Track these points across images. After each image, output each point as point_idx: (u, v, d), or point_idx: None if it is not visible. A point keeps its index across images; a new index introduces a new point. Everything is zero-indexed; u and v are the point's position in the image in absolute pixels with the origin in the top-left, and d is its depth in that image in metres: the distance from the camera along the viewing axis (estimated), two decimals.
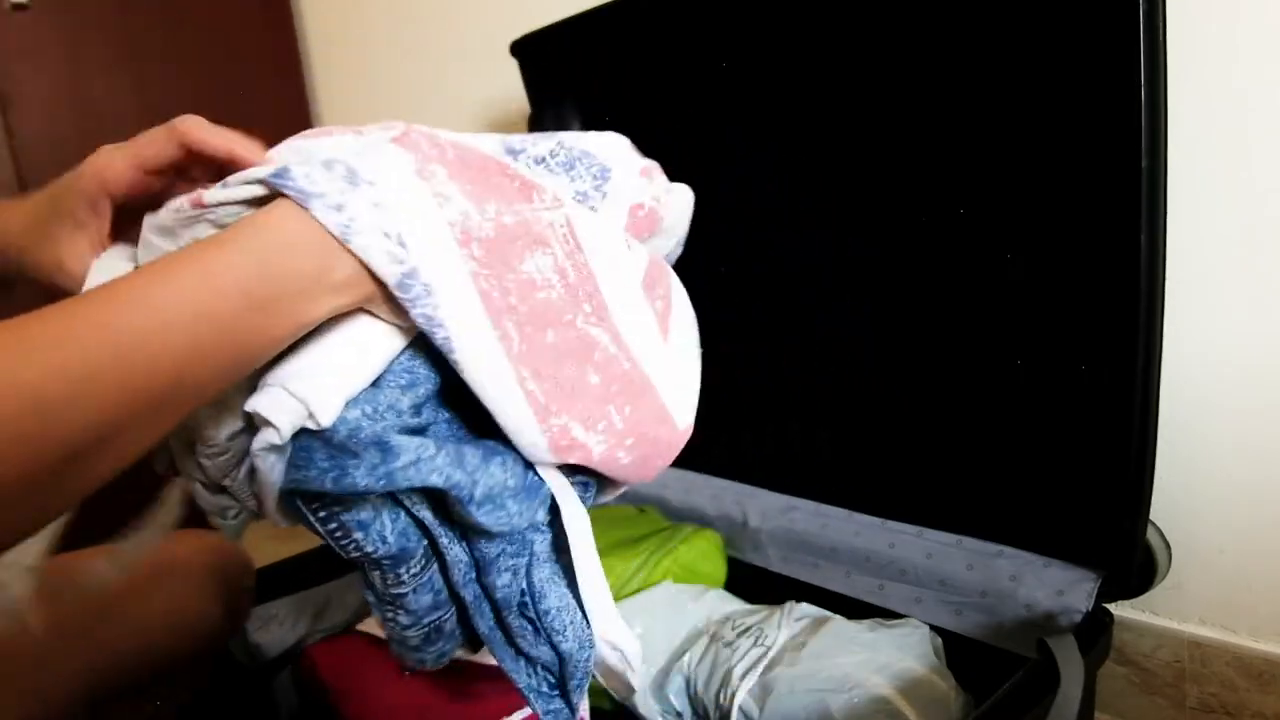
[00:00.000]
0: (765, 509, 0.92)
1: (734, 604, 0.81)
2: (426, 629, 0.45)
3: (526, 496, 0.42)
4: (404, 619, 0.44)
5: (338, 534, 0.40)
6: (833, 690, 0.65)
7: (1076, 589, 0.69)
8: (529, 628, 0.46)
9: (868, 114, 0.77)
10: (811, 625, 0.73)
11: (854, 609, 0.78)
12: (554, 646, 0.46)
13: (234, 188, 0.38)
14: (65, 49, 1.31)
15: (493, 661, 0.68)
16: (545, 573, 0.46)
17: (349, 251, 0.35)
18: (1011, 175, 0.70)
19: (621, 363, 0.43)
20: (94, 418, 0.29)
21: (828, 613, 0.76)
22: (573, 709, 0.46)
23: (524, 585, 0.45)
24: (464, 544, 0.44)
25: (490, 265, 0.38)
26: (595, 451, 0.43)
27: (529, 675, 0.47)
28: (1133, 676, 0.81)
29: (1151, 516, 0.69)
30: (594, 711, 0.72)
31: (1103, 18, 0.62)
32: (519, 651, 0.47)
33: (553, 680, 0.48)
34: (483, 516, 0.40)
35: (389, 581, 0.42)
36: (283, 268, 0.34)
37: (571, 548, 0.45)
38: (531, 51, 0.98)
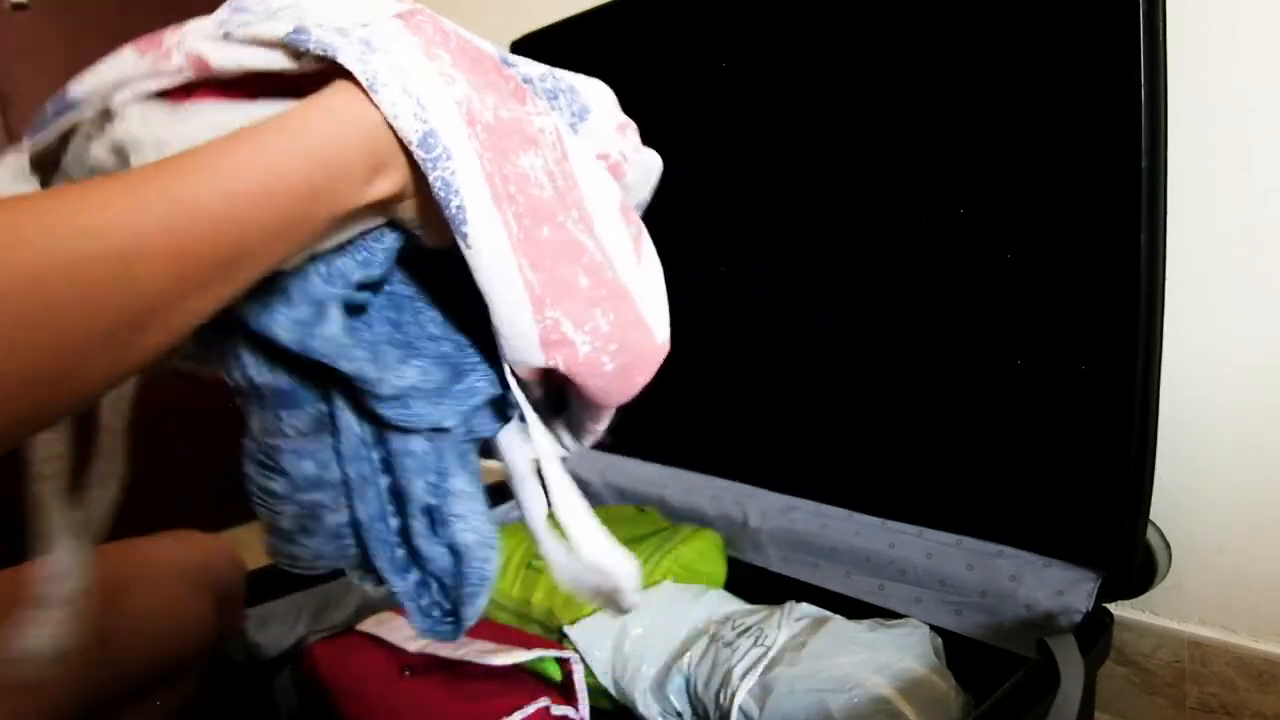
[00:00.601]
0: (765, 509, 0.92)
1: (734, 604, 0.81)
2: (302, 513, 0.43)
3: (441, 398, 0.42)
4: (278, 485, 0.42)
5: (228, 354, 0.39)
6: (833, 690, 0.65)
7: (1076, 589, 0.69)
8: (426, 520, 0.44)
9: (868, 114, 0.77)
10: (811, 625, 0.73)
11: (854, 609, 0.78)
12: (452, 544, 0.44)
13: (245, 47, 0.37)
14: (65, 49, 1.31)
15: (493, 662, 0.68)
16: (455, 457, 0.45)
17: (389, 128, 0.35)
18: (1011, 175, 0.70)
19: (606, 270, 0.43)
20: (142, 293, 0.27)
21: (828, 613, 0.76)
22: (461, 625, 0.44)
23: (435, 467, 0.44)
24: (360, 415, 0.42)
25: (492, 150, 0.38)
26: (581, 351, 0.42)
27: (418, 593, 0.45)
28: (1133, 676, 0.81)
29: (1151, 516, 0.69)
30: (594, 711, 0.72)
31: (1103, 18, 0.62)
32: (410, 555, 0.45)
33: (445, 605, 0.45)
34: (385, 409, 0.40)
35: (268, 427, 0.41)
36: (339, 154, 0.33)
37: (544, 468, 0.45)
38: (532, 51, 0.98)
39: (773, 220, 0.87)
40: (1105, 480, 0.68)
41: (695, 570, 0.88)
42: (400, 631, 0.78)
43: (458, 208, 0.37)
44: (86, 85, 0.37)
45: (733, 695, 0.67)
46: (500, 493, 1.09)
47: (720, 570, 0.91)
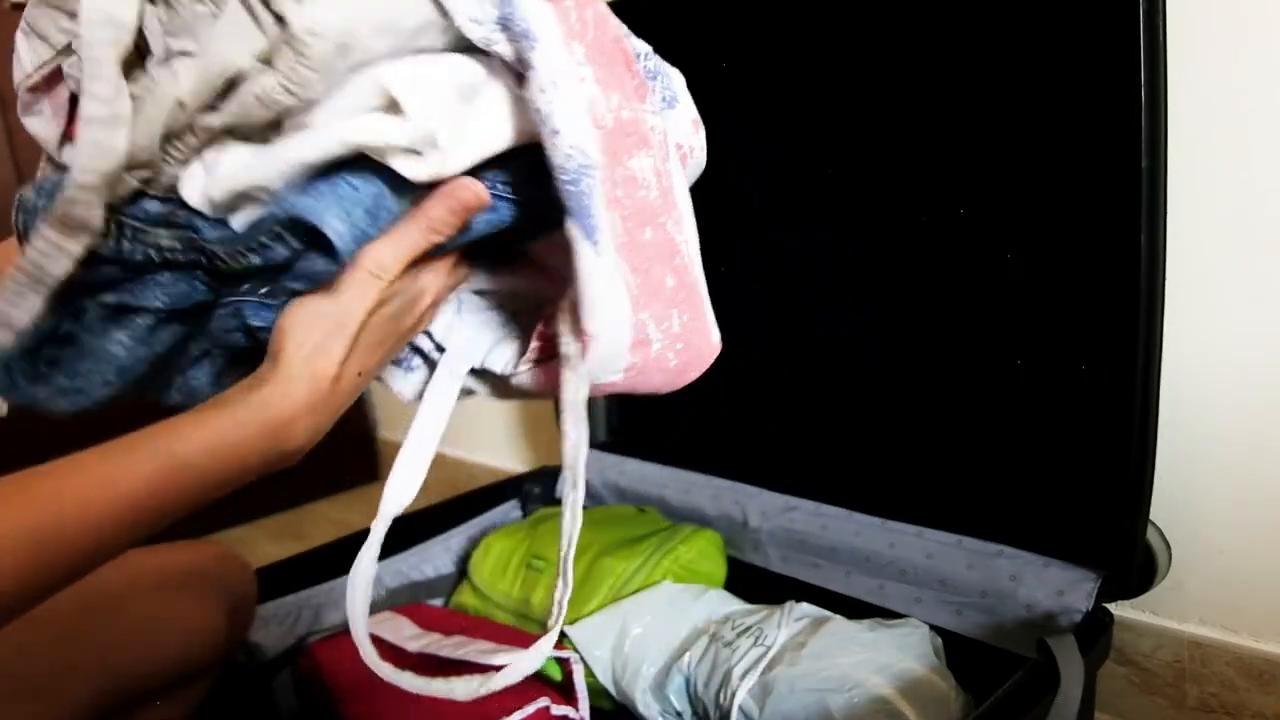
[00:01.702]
0: (765, 509, 0.92)
1: (734, 604, 0.81)
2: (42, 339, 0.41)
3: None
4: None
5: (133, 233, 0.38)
6: (833, 690, 0.65)
7: (1076, 589, 0.69)
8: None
9: (868, 114, 0.77)
10: (811, 625, 0.73)
11: (854, 609, 0.78)
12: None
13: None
14: None
15: (493, 662, 0.68)
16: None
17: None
18: (1012, 175, 0.70)
19: (690, 269, 0.44)
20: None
21: (828, 613, 0.76)
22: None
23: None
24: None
25: (608, 155, 0.38)
26: (653, 349, 0.43)
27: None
28: (1133, 676, 0.81)
29: (1151, 516, 0.69)
30: (594, 711, 0.72)
31: (1103, 18, 0.62)
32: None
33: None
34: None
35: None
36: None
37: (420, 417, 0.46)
38: None
39: (773, 220, 0.87)
40: (1105, 480, 0.68)
41: (695, 570, 0.88)
42: (400, 631, 0.78)
43: (586, 223, 0.38)
44: None
45: (733, 695, 0.67)
46: (499, 494, 1.09)
47: (720, 570, 0.91)
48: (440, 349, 0.51)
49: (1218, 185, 0.70)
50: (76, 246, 0.37)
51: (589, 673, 0.76)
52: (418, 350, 0.52)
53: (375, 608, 0.90)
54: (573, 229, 0.38)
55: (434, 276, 0.43)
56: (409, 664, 0.73)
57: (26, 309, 0.38)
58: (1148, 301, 0.64)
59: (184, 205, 0.38)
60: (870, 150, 0.78)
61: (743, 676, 0.68)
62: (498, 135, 0.39)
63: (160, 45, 0.36)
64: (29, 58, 0.38)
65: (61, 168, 0.42)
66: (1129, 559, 0.69)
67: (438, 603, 0.97)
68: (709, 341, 0.48)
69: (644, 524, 0.95)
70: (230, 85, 0.36)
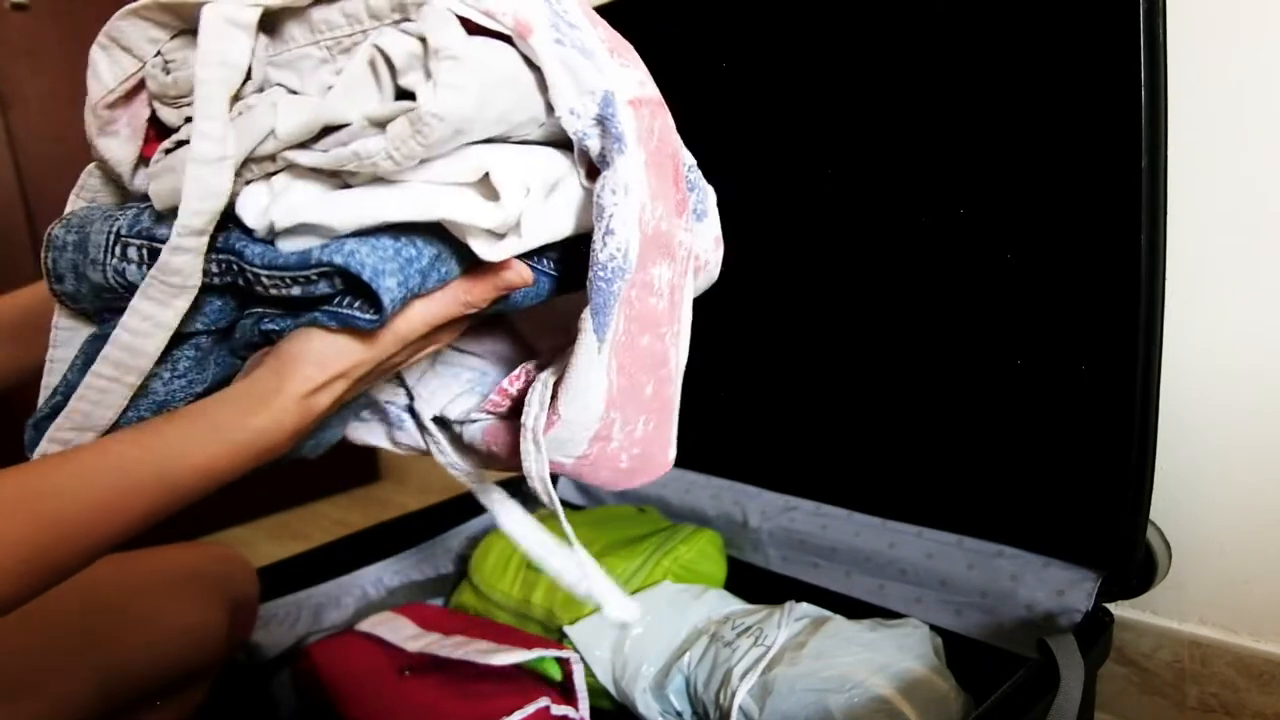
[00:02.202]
0: (765, 509, 0.92)
1: (734, 604, 0.81)
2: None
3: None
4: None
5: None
6: (833, 690, 0.65)
7: (1076, 589, 0.69)
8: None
9: (867, 114, 0.77)
10: (811, 625, 0.73)
11: (854, 609, 0.78)
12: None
13: (564, 64, 0.37)
14: (65, 49, 1.31)
15: (493, 662, 0.68)
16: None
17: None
18: (1012, 175, 0.70)
19: (671, 382, 0.45)
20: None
21: (828, 613, 0.76)
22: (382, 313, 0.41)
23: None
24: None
25: (638, 260, 0.39)
26: (610, 446, 0.43)
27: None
28: (1133, 676, 0.81)
29: (1151, 516, 0.69)
30: (594, 711, 0.72)
31: (1103, 17, 0.62)
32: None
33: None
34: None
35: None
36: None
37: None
38: None
39: (773, 220, 0.87)
40: (1105, 480, 0.68)
41: (695, 570, 0.88)
42: (400, 631, 0.78)
43: (602, 319, 0.39)
44: None
45: (733, 695, 0.67)
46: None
47: (720, 570, 0.91)
48: (410, 396, 0.51)
49: (1218, 185, 0.70)
50: (174, 316, 0.38)
51: (589, 673, 0.76)
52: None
53: (375, 608, 0.90)
54: (587, 321, 0.39)
55: (445, 334, 0.44)
56: (408, 664, 0.73)
57: (112, 405, 0.39)
58: (1148, 301, 0.64)
59: (225, 227, 0.38)
60: (870, 151, 0.78)
61: (743, 676, 0.68)
62: (563, 225, 0.40)
63: (260, 72, 0.37)
64: (110, 72, 0.38)
65: (120, 191, 0.42)
66: (1129, 559, 0.69)
67: (438, 603, 0.97)
68: (665, 457, 0.48)
69: (644, 524, 0.95)
70: (327, 130, 0.36)
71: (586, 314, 0.39)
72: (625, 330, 0.40)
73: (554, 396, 0.41)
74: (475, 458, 0.48)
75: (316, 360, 0.39)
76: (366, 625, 0.80)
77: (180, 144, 0.37)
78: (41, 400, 0.43)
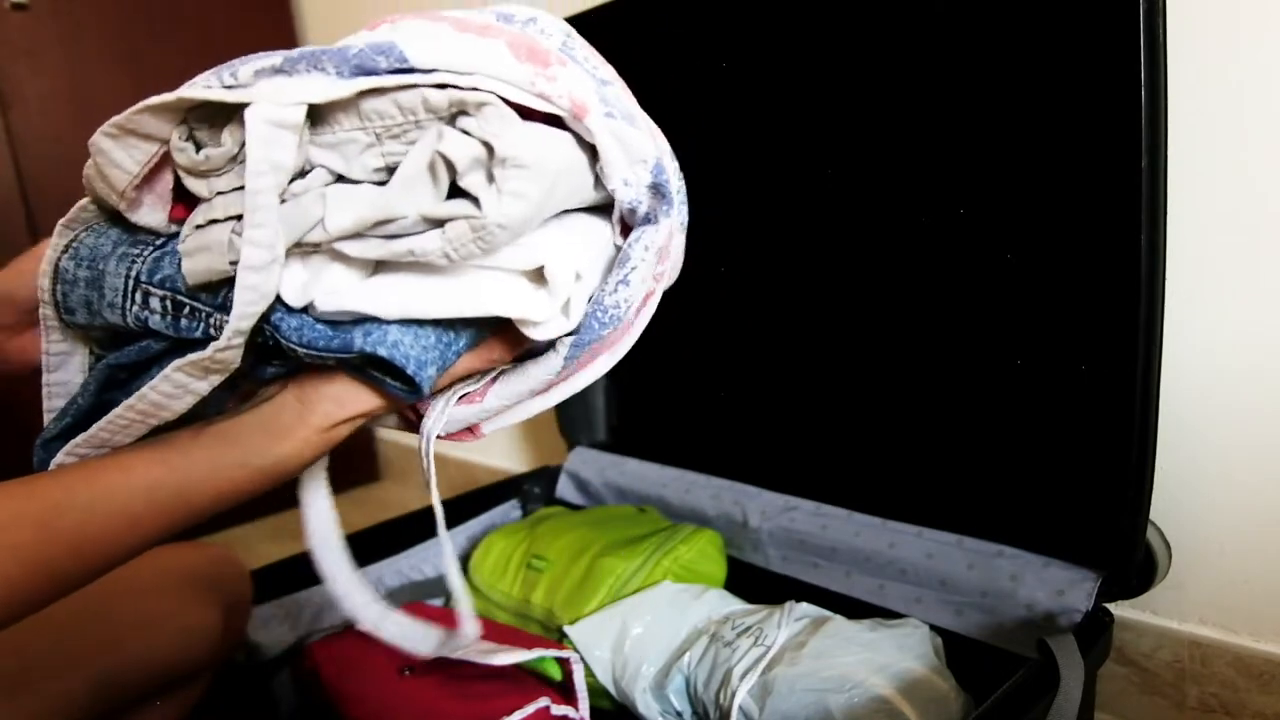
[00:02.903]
0: (765, 509, 0.92)
1: (734, 604, 0.81)
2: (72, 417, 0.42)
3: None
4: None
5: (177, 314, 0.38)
6: (833, 690, 0.65)
7: (1076, 589, 0.69)
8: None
9: (867, 114, 0.77)
10: (811, 625, 0.73)
11: (854, 609, 0.78)
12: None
13: (617, 138, 0.38)
14: (65, 49, 1.31)
15: (493, 662, 0.68)
16: None
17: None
18: (1011, 175, 0.70)
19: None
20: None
21: (828, 613, 0.76)
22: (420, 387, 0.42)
23: None
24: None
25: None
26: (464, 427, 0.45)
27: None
28: (1133, 676, 0.81)
29: (1151, 516, 0.69)
30: (594, 711, 0.72)
31: (1103, 17, 0.62)
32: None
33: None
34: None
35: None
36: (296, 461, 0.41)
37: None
38: None
39: (773, 220, 0.87)
40: (1105, 480, 0.68)
41: (695, 570, 0.88)
42: None
43: (577, 353, 0.41)
44: (433, 55, 0.34)
45: (733, 695, 0.67)
46: (499, 494, 1.09)
47: (720, 570, 0.91)
48: None
49: (1218, 185, 0.70)
50: (206, 387, 0.38)
51: (589, 673, 0.76)
52: None
53: None
54: (563, 348, 0.40)
55: (464, 385, 0.45)
56: (408, 664, 0.73)
57: (133, 435, 0.39)
58: (1148, 301, 0.64)
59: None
60: (870, 151, 0.78)
61: (743, 676, 0.68)
62: (593, 284, 0.41)
63: (303, 153, 0.36)
64: (130, 159, 0.37)
65: (131, 227, 0.41)
66: (1129, 559, 0.69)
67: (438, 603, 0.97)
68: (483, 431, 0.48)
69: (644, 524, 0.95)
70: (378, 223, 0.36)
71: (566, 344, 0.40)
72: (580, 360, 0.42)
73: (494, 379, 0.43)
74: None
75: (340, 400, 0.40)
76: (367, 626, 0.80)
77: (212, 221, 0.37)
78: (48, 421, 0.43)
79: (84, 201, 0.42)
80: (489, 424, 0.45)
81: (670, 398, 1.03)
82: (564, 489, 1.10)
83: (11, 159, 1.28)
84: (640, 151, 0.38)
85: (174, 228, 0.39)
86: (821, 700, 0.64)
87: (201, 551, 0.69)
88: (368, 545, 0.94)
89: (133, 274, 0.38)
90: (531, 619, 0.86)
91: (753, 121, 0.85)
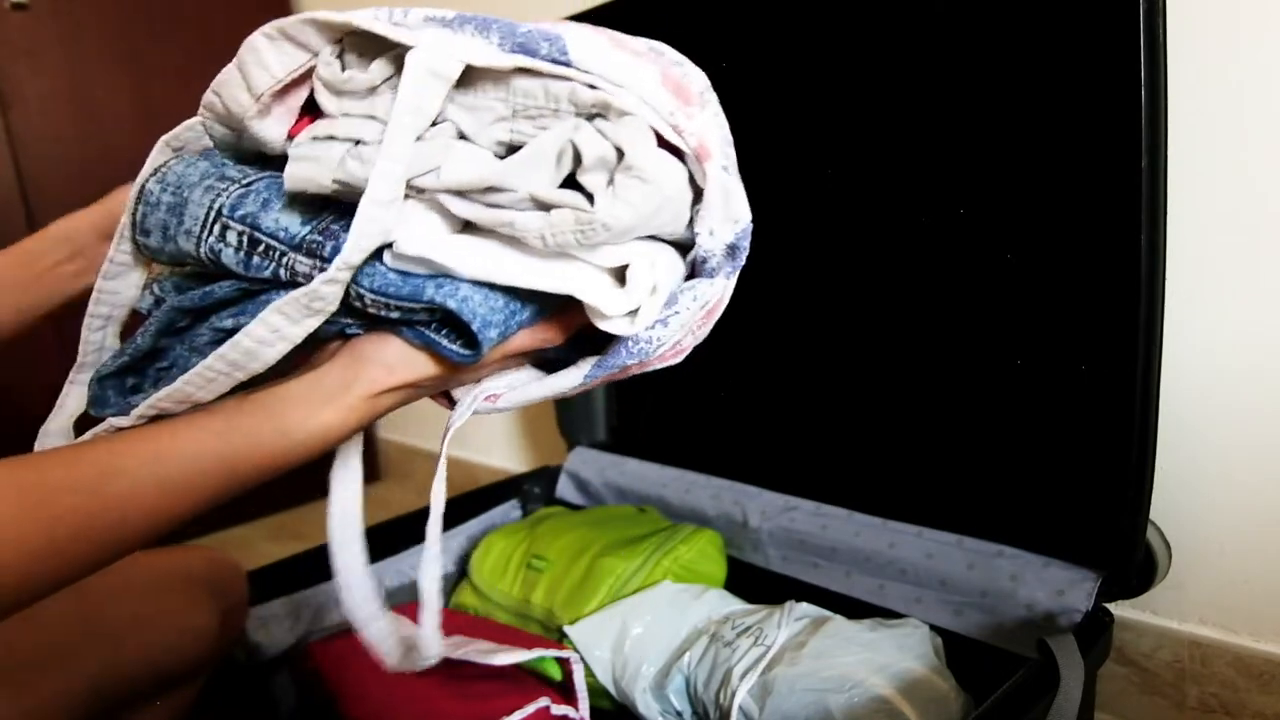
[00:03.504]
0: (765, 509, 0.92)
1: (734, 604, 0.81)
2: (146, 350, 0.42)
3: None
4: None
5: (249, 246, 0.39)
6: (833, 690, 0.65)
7: (1077, 589, 0.69)
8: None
9: (867, 114, 0.77)
10: (811, 625, 0.73)
11: (854, 609, 0.79)
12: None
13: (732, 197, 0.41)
14: (65, 49, 1.31)
15: (493, 661, 0.68)
16: None
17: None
18: (1012, 175, 0.70)
19: None
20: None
21: (828, 613, 0.76)
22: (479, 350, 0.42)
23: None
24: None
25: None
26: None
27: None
28: (1133, 676, 0.81)
29: (1151, 516, 0.69)
30: (594, 711, 0.72)
31: (1103, 17, 0.62)
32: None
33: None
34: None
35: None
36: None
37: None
38: None
39: (773, 220, 0.87)
40: (1105, 480, 0.68)
41: (695, 570, 0.88)
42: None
43: (598, 373, 0.42)
44: (593, 59, 0.36)
45: (733, 695, 0.67)
46: (499, 494, 1.09)
47: (720, 570, 0.91)
48: None
49: (1218, 185, 0.70)
50: (300, 333, 0.38)
51: (589, 673, 0.76)
52: None
53: None
54: (585, 366, 0.42)
55: (513, 362, 0.45)
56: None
57: (215, 392, 0.40)
58: (1148, 301, 0.64)
59: (333, 231, 0.39)
60: (870, 151, 0.78)
61: (743, 676, 0.68)
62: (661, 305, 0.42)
63: (443, 105, 0.37)
64: (279, 63, 0.38)
65: (219, 164, 0.42)
66: (1129, 559, 0.69)
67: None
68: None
69: (644, 524, 0.95)
70: (489, 189, 0.37)
71: (588, 364, 0.42)
72: (595, 380, 0.43)
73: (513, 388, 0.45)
74: None
75: (390, 366, 0.40)
76: None
77: (331, 137, 0.38)
78: (87, 351, 0.46)
79: (192, 121, 0.42)
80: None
81: (670, 398, 1.03)
82: (564, 489, 1.10)
83: (11, 159, 1.28)
84: (737, 211, 0.41)
85: (285, 148, 0.40)
86: (821, 700, 0.64)
87: (198, 553, 0.69)
88: (368, 545, 0.94)
89: (216, 205, 0.39)
90: (531, 619, 0.86)
91: (753, 121, 0.85)
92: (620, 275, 0.39)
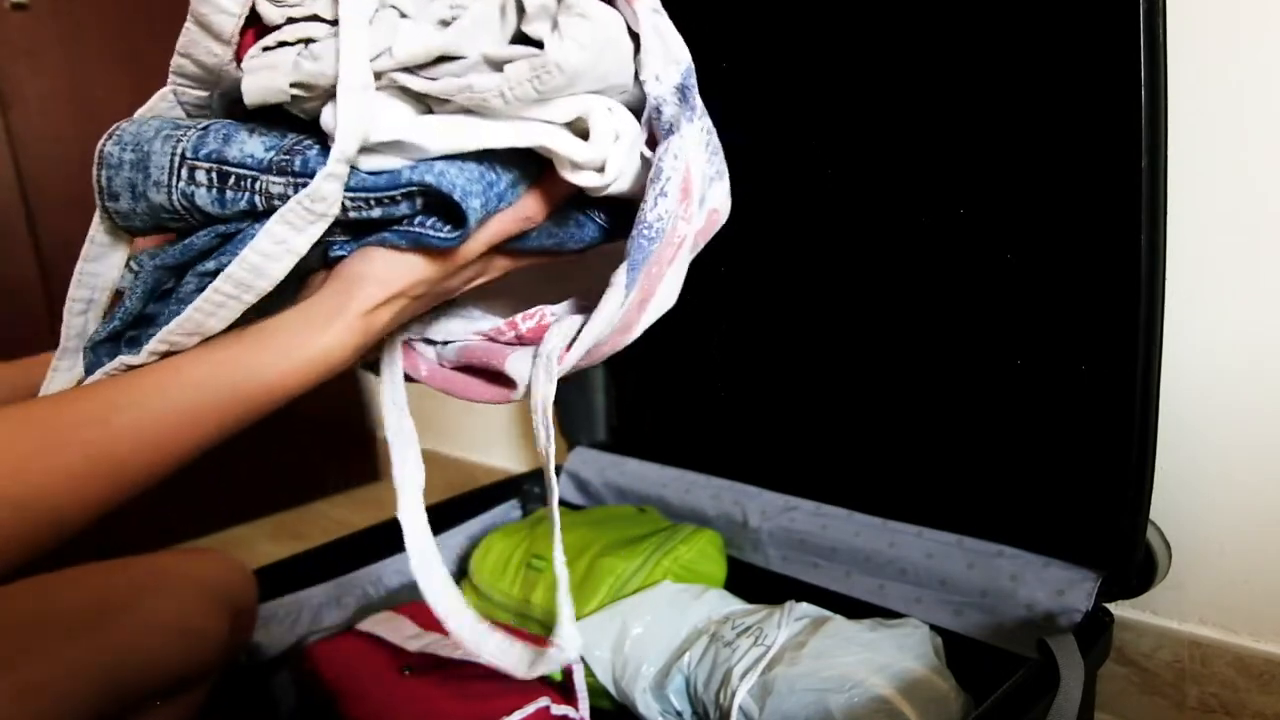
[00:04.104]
0: (765, 509, 0.92)
1: (734, 604, 0.81)
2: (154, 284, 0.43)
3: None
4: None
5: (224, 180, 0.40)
6: (833, 690, 0.65)
7: (1077, 589, 0.69)
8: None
9: (868, 115, 0.77)
10: (811, 625, 0.73)
11: (854, 609, 0.78)
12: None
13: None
14: (65, 49, 1.31)
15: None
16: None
17: None
18: (1011, 175, 0.70)
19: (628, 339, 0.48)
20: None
21: (828, 612, 0.76)
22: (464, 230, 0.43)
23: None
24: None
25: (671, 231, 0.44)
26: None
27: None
28: (1133, 676, 0.81)
29: (1151, 516, 0.69)
30: (594, 711, 0.72)
31: (1103, 17, 0.62)
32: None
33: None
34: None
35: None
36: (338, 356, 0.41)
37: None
38: None
39: (773, 220, 0.87)
40: (1105, 480, 0.68)
41: (695, 570, 0.88)
42: (400, 631, 0.78)
43: (634, 275, 0.42)
44: None
45: (733, 695, 0.67)
46: (499, 494, 1.09)
47: (720, 570, 0.91)
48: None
49: (1218, 185, 0.70)
50: (305, 242, 0.39)
51: (589, 673, 0.76)
52: None
53: (375, 608, 0.90)
54: (621, 276, 0.41)
55: (501, 260, 0.45)
56: (409, 663, 0.73)
57: (225, 318, 0.40)
58: (1148, 301, 0.64)
59: (299, 149, 0.39)
60: (870, 151, 0.78)
61: (743, 676, 0.68)
62: (627, 182, 0.43)
63: None
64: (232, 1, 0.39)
65: (168, 117, 0.43)
66: (1129, 559, 0.69)
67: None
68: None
69: (644, 524, 0.95)
70: (438, 59, 0.38)
71: (622, 271, 0.41)
72: (639, 289, 0.43)
73: (571, 335, 0.44)
74: (433, 374, 0.50)
75: (379, 279, 0.40)
76: (366, 625, 0.80)
77: (282, 44, 0.38)
78: (69, 335, 0.45)
79: (163, 91, 0.43)
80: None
81: (670, 398, 1.03)
82: (564, 489, 1.10)
83: (11, 159, 1.28)
84: (676, 52, 0.41)
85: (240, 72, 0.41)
86: (821, 700, 0.64)
87: (207, 557, 0.69)
88: (368, 545, 0.94)
89: (179, 150, 0.40)
90: (531, 619, 0.86)
91: (753, 121, 0.85)
92: (584, 136, 0.40)
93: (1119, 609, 0.76)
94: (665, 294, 0.47)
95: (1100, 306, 0.66)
